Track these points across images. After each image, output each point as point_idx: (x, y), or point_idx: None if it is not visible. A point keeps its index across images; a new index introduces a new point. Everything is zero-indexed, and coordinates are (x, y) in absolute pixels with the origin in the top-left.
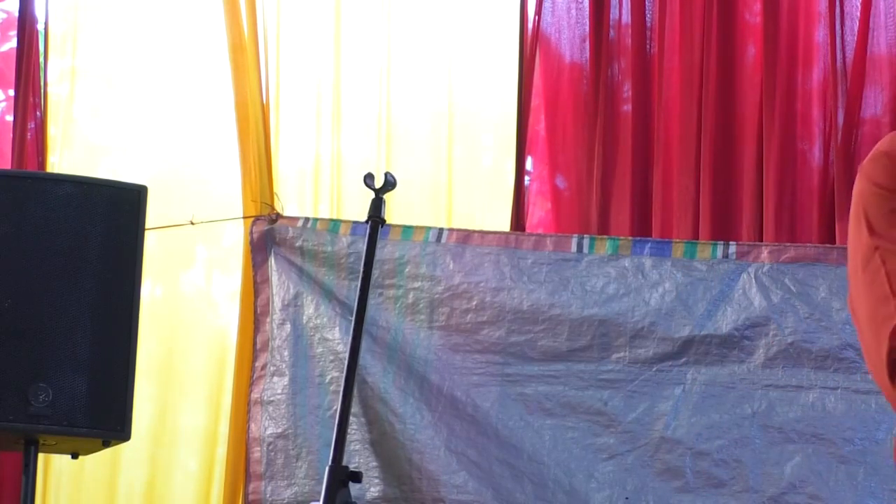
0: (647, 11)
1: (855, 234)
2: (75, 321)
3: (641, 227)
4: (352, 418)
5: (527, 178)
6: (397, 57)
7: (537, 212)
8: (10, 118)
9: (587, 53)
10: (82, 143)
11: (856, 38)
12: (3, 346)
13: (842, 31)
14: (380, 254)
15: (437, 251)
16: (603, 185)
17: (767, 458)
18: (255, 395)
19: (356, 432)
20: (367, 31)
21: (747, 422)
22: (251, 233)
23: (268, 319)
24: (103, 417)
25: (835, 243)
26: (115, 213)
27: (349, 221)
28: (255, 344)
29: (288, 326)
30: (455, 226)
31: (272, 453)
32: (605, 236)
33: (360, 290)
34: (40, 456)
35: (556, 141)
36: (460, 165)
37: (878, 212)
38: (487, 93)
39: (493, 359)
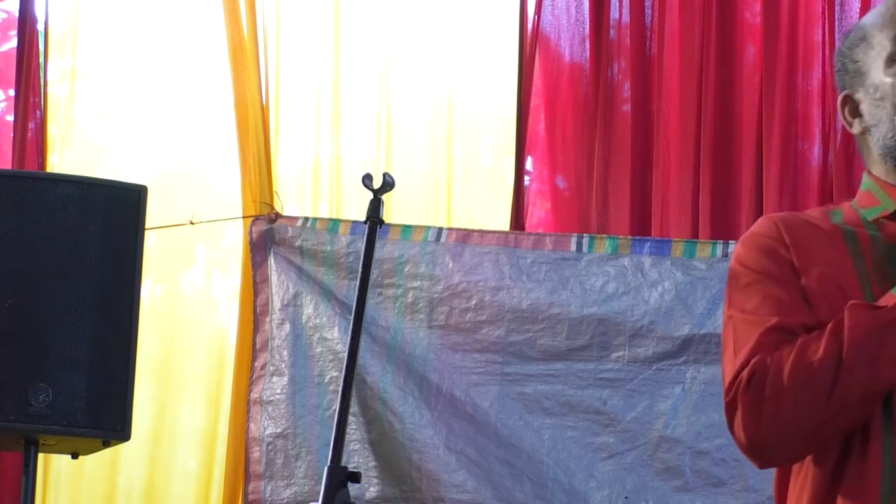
0: (646, 11)
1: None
2: (75, 321)
3: (641, 227)
4: (351, 418)
5: (526, 177)
6: (397, 57)
7: (537, 211)
8: (10, 118)
9: (587, 53)
10: (82, 143)
11: None
12: (3, 346)
13: (842, 31)
14: (379, 253)
15: (437, 250)
16: (602, 184)
17: None
18: (254, 395)
19: (355, 432)
20: (367, 31)
21: None
22: (251, 232)
23: (267, 319)
24: (103, 417)
25: None
26: (115, 213)
27: (348, 221)
28: (254, 344)
29: (287, 326)
30: (455, 225)
31: (271, 453)
32: (604, 235)
33: (359, 289)
34: (40, 456)
35: (556, 141)
36: (460, 165)
37: (736, 286)
38: (487, 93)
39: (492, 358)
